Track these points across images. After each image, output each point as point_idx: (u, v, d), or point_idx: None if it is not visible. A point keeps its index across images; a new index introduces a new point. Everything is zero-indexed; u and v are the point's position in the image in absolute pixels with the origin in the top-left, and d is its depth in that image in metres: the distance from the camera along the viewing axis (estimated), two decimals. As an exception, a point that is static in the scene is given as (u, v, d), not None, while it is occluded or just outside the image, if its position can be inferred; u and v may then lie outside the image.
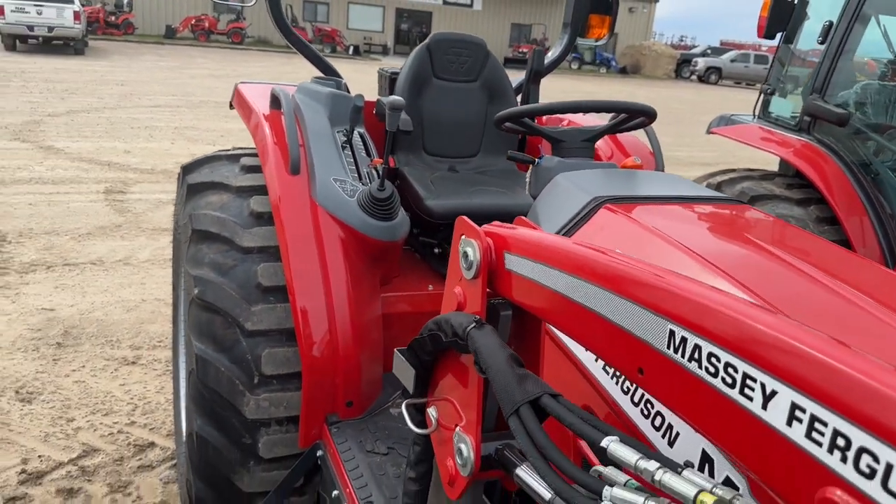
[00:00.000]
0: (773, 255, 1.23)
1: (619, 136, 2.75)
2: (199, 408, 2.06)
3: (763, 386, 0.63)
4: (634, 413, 1.24)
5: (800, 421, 0.59)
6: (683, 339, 0.72)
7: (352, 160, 2.28)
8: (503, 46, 38.01)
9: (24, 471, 2.93)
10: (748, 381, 0.64)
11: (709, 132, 3.82)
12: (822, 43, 3.31)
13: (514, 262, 1.06)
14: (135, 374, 3.76)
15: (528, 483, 1.02)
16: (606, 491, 0.78)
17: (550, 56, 2.96)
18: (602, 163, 2.09)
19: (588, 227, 1.43)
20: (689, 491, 0.68)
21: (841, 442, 0.56)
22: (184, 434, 2.69)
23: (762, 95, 3.75)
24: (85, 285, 4.86)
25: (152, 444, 3.18)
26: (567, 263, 0.93)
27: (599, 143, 2.73)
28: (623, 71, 39.11)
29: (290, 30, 2.63)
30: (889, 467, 0.53)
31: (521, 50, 34.63)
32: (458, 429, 1.16)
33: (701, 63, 39.07)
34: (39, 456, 3.04)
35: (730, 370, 0.66)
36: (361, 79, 2.67)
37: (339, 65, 2.67)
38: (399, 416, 2.13)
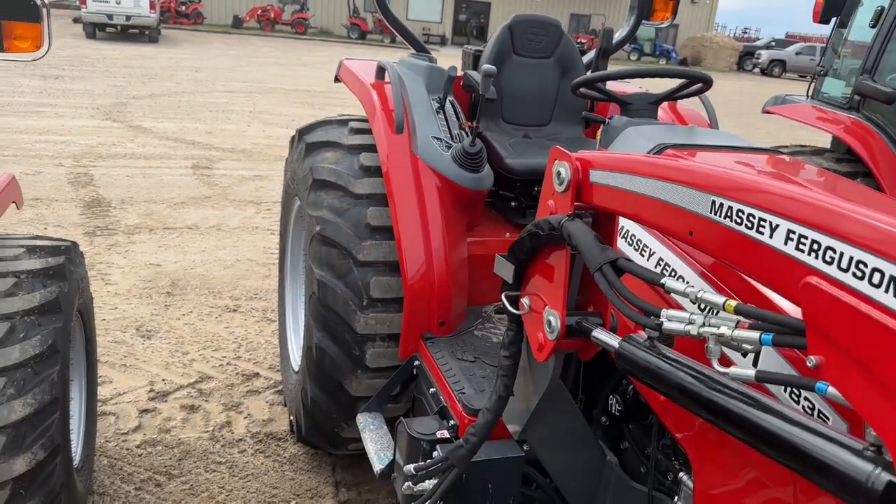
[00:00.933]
0: (802, 179, 1.56)
1: (678, 108, 3.06)
2: (319, 324, 2.49)
3: (771, 223, 0.99)
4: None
5: (791, 240, 0.95)
6: (721, 205, 1.08)
7: (444, 123, 2.67)
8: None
9: (152, 390, 3.44)
10: (761, 223, 1.00)
11: (764, 111, 4.08)
12: (873, 27, 3.54)
13: (598, 176, 1.43)
14: (236, 320, 4.26)
15: (602, 339, 1.40)
16: (664, 312, 1.14)
17: (618, 36, 3.28)
18: (665, 122, 2.43)
19: (652, 166, 1.78)
20: (720, 300, 1.05)
21: (815, 246, 0.91)
22: (292, 360, 3.15)
23: (815, 76, 4.00)
24: (184, 246, 5.41)
25: (257, 375, 3.66)
26: (639, 169, 1.30)
27: (661, 115, 3.05)
28: (683, 62, 38.54)
29: (392, 16, 3.03)
30: (841, 255, 0.88)
31: (579, 40, 34.54)
32: (546, 307, 1.53)
33: (764, 55, 38.18)
34: (163, 380, 3.55)
35: (750, 217, 1.02)
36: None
37: (399, 54, 3.06)
38: (482, 337, 2.52)
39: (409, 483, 1.88)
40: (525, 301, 1.64)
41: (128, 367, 3.63)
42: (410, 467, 1.89)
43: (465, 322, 2.60)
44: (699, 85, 2.24)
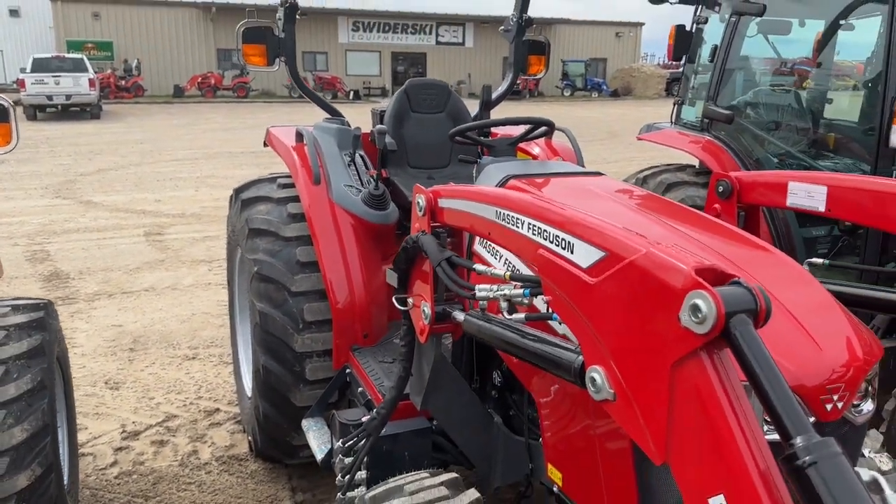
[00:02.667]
0: (595, 192, 2.17)
1: (553, 143, 3.69)
2: (263, 348, 2.99)
3: (521, 220, 1.56)
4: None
5: (531, 228, 1.52)
6: (500, 212, 1.66)
7: (355, 173, 3.24)
8: (497, 79, 39.37)
9: (123, 431, 3.86)
10: (517, 221, 1.57)
11: (638, 138, 4.77)
12: (711, 61, 4.28)
13: (443, 202, 2.00)
14: (196, 366, 4.70)
15: (457, 317, 1.94)
16: (476, 287, 1.71)
17: (498, 91, 3.93)
18: (521, 158, 3.04)
19: (500, 192, 2.37)
20: (501, 272, 1.62)
21: (539, 230, 1.49)
22: (246, 389, 3.62)
23: (675, 105, 4.72)
24: (143, 307, 5.83)
25: (218, 410, 4.10)
26: (461, 195, 1.88)
27: (538, 150, 3.67)
28: (615, 94, 40.34)
29: (306, 87, 3.61)
30: (551, 233, 1.45)
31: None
32: (423, 301, 2.08)
33: (689, 80, 40.16)
34: (133, 422, 3.97)
35: (513, 218, 1.59)
36: (361, 119, 3.67)
37: (342, 109, 3.65)
38: (399, 349, 3.04)
39: (340, 456, 2.38)
40: (410, 300, 2.18)
41: (100, 415, 4.04)
42: (339, 443, 2.39)
43: (388, 333, 3.13)
44: (544, 129, 2.86)
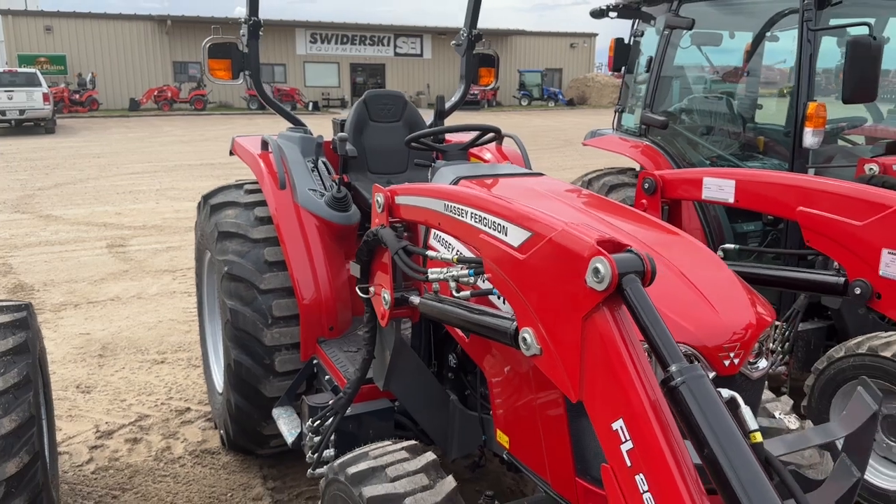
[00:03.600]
0: (535, 190, 2.45)
1: (504, 148, 3.98)
2: (234, 343, 3.19)
3: (465, 211, 1.82)
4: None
5: (473, 217, 1.78)
6: (448, 205, 1.91)
7: (318, 178, 3.47)
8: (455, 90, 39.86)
9: (97, 430, 4.00)
10: (461, 211, 1.84)
11: (583, 144, 5.10)
12: (647, 71, 4.63)
13: (400, 199, 2.25)
14: (165, 370, 4.85)
15: (414, 301, 2.19)
16: (429, 270, 1.96)
17: (451, 101, 4.20)
18: (473, 162, 3.32)
19: (451, 191, 2.63)
20: (450, 255, 1.88)
21: (480, 218, 1.75)
22: (217, 386, 3.80)
23: (616, 113, 5.07)
24: (110, 316, 5.93)
25: (188, 409, 4.27)
26: (414, 192, 2.13)
27: (489, 156, 3.96)
28: (570, 103, 41.16)
29: (270, 99, 3.83)
30: (490, 220, 1.71)
31: (472, 92, 36.48)
32: (383, 289, 2.33)
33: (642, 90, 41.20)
34: (106, 422, 4.11)
35: (458, 209, 1.85)
36: (321, 129, 3.88)
37: (302, 120, 3.89)
38: (363, 335, 3.27)
39: (310, 435, 2.60)
40: (371, 289, 2.43)
41: (73, 417, 4.17)
42: (309, 422, 2.61)
43: (352, 327, 3.36)
44: (491, 135, 3.14)
